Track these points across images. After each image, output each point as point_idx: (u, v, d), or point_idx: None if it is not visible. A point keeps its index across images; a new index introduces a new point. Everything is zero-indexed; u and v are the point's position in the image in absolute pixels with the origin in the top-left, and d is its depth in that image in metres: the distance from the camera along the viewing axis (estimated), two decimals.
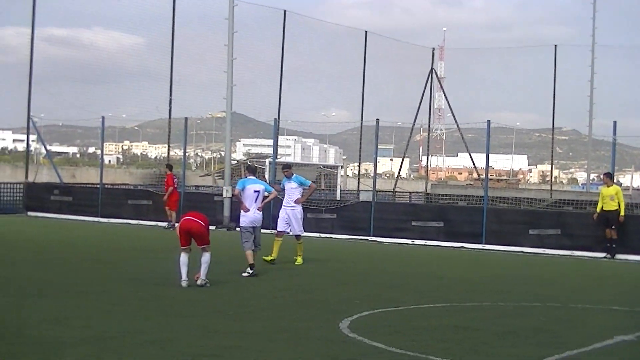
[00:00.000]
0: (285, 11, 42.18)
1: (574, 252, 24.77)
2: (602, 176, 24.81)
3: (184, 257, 14.73)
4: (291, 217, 19.45)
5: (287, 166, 20.75)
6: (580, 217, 26.64)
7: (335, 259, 21.32)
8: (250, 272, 16.48)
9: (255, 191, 17.26)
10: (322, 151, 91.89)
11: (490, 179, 36.77)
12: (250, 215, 17.09)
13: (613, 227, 23.80)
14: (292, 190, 19.53)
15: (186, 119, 33.77)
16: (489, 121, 27.90)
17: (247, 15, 40.08)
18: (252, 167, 18.88)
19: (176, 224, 28.80)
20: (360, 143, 44.50)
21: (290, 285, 15.61)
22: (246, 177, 18.10)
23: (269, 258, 18.79)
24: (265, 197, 17.47)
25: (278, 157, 29.86)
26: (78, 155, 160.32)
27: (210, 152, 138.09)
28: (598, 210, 24.27)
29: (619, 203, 23.81)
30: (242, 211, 17.25)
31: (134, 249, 22.17)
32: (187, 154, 35.93)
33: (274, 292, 14.60)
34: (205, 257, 14.79)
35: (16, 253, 19.65)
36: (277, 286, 15.52)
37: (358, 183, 46.24)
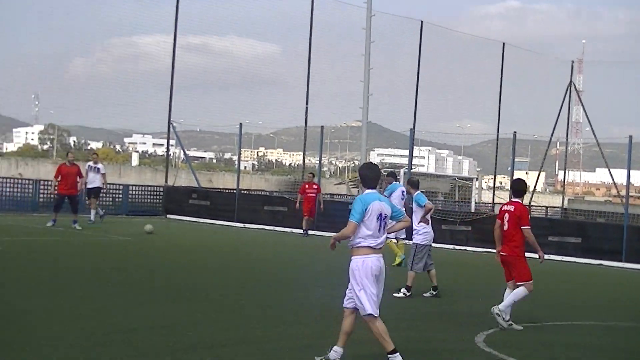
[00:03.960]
0: (422, 22, 42.18)
1: None
2: None
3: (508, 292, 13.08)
4: None
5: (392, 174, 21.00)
6: None
7: (468, 272, 21.06)
8: (407, 294, 15.08)
9: None
10: (457, 163, 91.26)
11: (631, 196, 35.58)
12: (431, 232, 15.56)
13: None
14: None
15: (322, 127, 33.97)
16: (630, 136, 27.09)
17: (384, 25, 40.37)
18: (415, 181, 16.50)
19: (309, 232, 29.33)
20: (497, 155, 43.93)
21: (417, 296, 15.24)
22: (416, 192, 15.97)
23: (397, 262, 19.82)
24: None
25: (413, 167, 29.68)
26: (214, 161, 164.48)
27: (344, 160, 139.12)
28: None
29: None
30: (420, 228, 15.42)
31: (271, 255, 22.45)
32: (321, 162, 36.14)
33: (401, 302, 14.37)
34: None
35: (154, 256, 20.17)
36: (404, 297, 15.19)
37: (493, 195, 45.56)
